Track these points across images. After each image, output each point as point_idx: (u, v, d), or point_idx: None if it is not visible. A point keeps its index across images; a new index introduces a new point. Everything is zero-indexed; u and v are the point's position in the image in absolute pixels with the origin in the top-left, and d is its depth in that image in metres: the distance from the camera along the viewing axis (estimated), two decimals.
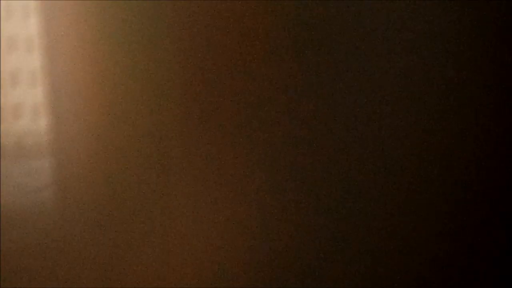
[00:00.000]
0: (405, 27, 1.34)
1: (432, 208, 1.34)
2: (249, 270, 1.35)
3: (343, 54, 1.34)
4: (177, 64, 1.30)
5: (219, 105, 1.31)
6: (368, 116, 1.34)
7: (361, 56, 1.34)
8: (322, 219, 1.34)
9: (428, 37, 1.34)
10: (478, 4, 1.34)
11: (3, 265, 1.25)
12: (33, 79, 1.24)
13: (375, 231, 1.33)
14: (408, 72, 1.34)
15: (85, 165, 1.26)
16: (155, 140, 1.28)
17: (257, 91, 1.32)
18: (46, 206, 1.25)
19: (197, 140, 1.30)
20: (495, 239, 1.34)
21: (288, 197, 1.33)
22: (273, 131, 1.33)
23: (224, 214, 1.32)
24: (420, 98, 1.35)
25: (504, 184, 1.34)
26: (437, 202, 1.35)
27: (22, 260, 1.26)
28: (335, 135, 1.34)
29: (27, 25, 1.25)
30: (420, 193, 1.34)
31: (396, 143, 1.34)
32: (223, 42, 1.31)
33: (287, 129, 1.33)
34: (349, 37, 1.34)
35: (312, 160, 1.33)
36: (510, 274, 1.31)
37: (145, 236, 1.30)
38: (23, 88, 1.28)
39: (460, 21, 1.34)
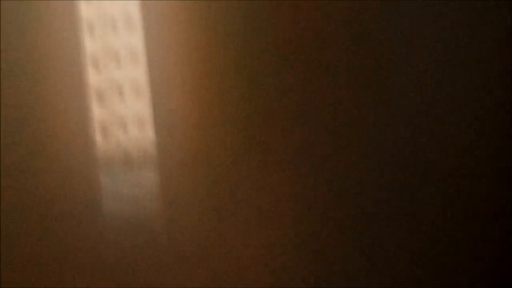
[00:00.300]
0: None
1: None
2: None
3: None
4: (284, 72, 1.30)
5: (324, 108, 1.30)
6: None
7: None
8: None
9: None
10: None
11: (110, 274, 1.27)
12: (137, 91, 1.26)
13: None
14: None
15: (190, 176, 1.27)
16: (259, 148, 1.28)
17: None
18: (152, 216, 1.26)
19: (305, 144, 1.29)
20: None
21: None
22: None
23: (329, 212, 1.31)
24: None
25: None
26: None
27: (128, 269, 1.28)
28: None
29: (131, 38, 1.26)
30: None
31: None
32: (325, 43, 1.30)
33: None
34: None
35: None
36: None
37: (251, 242, 1.30)
38: (128, 101, 1.30)
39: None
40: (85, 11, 1.24)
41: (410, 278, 1.32)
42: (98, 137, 1.24)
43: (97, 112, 1.27)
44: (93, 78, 1.25)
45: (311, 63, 1.31)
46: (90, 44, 1.27)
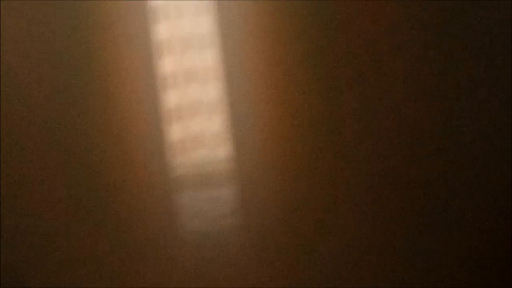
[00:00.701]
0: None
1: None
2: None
3: None
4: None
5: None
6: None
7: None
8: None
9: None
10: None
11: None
12: (213, 109, 1.25)
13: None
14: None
15: (268, 192, 1.24)
16: (339, 159, 1.25)
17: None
18: (230, 232, 1.22)
19: (383, 146, 1.26)
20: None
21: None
22: None
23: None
24: None
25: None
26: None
27: (211, 284, 1.23)
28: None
29: (207, 56, 1.26)
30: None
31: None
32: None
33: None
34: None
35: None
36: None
37: (334, 252, 1.25)
38: (203, 118, 1.28)
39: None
40: (161, 32, 1.25)
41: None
42: (174, 156, 1.23)
43: (173, 131, 1.25)
44: (169, 98, 1.24)
45: (390, 64, 1.29)
46: (165, 65, 1.28)
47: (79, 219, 1.23)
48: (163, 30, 1.26)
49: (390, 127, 1.28)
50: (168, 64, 1.30)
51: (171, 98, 1.25)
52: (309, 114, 1.28)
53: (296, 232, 1.24)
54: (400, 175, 1.27)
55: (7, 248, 1.21)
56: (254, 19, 1.27)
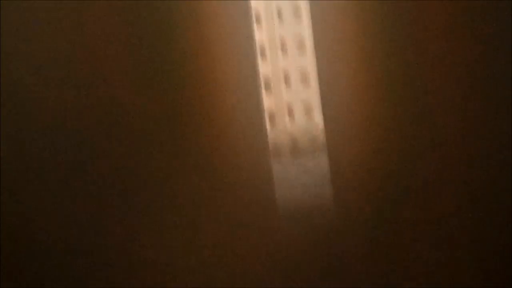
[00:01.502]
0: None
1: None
2: None
3: None
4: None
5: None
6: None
7: None
8: None
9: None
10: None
11: (281, 259, 1.30)
12: (305, 79, 1.28)
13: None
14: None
15: (359, 161, 1.28)
16: (430, 135, 1.27)
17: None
18: (323, 202, 1.28)
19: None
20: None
21: None
22: None
23: None
24: None
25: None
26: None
27: (298, 253, 1.30)
28: None
29: (298, 27, 1.29)
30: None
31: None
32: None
33: None
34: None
35: None
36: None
37: (424, 227, 1.29)
38: (295, 88, 1.32)
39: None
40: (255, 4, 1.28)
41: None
42: (268, 125, 1.28)
43: (266, 101, 1.30)
44: (263, 68, 1.29)
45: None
46: (259, 36, 1.31)
47: (177, 188, 1.30)
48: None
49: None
50: (261, 37, 1.34)
51: (265, 69, 1.29)
52: (398, 85, 1.31)
53: (383, 205, 1.28)
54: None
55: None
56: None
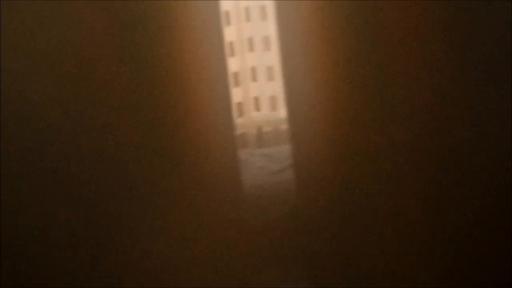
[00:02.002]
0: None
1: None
2: None
3: None
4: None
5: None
6: None
7: None
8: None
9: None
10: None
11: (248, 236, 1.38)
12: (270, 74, 1.38)
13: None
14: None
15: (319, 149, 1.38)
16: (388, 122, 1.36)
17: None
18: (285, 186, 1.38)
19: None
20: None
21: None
22: None
23: None
24: None
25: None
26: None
27: (263, 231, 1.40)
28: None
29: (264, 27, 1.39)
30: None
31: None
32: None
33: None
34: None
35: None
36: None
37: (383, 218, 1.37)
38: (262, 83, 1.42)
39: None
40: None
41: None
42: (235, 116, 1.38)
43: (235, 94, 1.40)
44: (232, 64, 1.39)
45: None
46: (228, 35, 1.41)
47: (151, 174, 1.39)
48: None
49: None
50: (230, 35, 1.44)
51: (233, 66, 1.40)
52: (357, 78, 1.41)
53: (345, 186, 1.38)
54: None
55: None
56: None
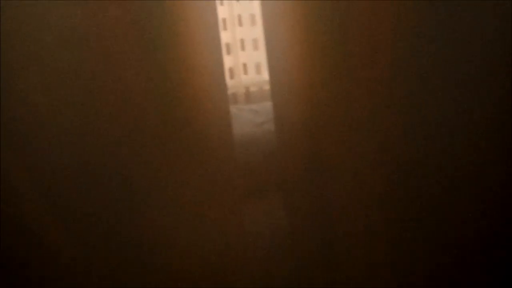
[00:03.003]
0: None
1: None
2: None
3: None
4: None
5: None
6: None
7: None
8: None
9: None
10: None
11: (239, 184, 1.56)
12: (255, 45, 1.62)
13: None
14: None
15: (296, 104, 1.62)
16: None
17: None
18: (267, 135, 1.66)
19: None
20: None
21: None
22: None
23: None
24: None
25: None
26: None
27: (253, 170, 1.65)
28: None
29: (250, 5, 1.58)
30: None
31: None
32: None
33: None
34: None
35: None
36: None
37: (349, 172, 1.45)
38: (249, 52, 1.67)
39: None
40: None
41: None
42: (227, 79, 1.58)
43: (226, 60, 1.59)
44: (224, 37, 1.57)
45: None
46: (221, 13, 1.62)
47: (154, 126, 1.42)
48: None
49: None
50: (222, 13, 1.68)
51: (225, 37, 1.63)
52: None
53: (316, 132, 1.47)
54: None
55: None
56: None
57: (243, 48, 1.72)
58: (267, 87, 1.64)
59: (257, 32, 1.72)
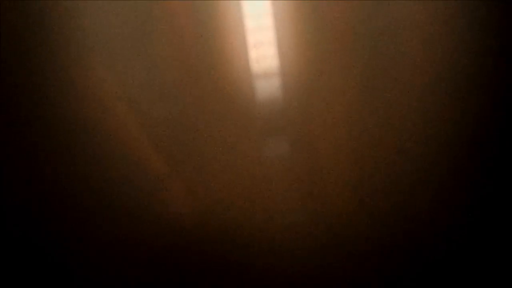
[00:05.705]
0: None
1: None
2: None
3: None
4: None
5: None
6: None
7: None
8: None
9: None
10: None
11: (255, 147, 1.34)
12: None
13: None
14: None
15: (303, 64, 1.39)
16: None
17: None
18: (276, 99, 1.58)
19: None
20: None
21: None
22: None
23: None
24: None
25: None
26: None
27: (267, 140, 1.41)
28: None
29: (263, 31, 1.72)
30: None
31: None
32: None
33: None
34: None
35: None
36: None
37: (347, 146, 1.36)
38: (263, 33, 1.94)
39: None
40: None
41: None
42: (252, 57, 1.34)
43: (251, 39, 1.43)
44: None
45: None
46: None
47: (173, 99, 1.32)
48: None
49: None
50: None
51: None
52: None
53: (316, 115, 1.35)
54: None
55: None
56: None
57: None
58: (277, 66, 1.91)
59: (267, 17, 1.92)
